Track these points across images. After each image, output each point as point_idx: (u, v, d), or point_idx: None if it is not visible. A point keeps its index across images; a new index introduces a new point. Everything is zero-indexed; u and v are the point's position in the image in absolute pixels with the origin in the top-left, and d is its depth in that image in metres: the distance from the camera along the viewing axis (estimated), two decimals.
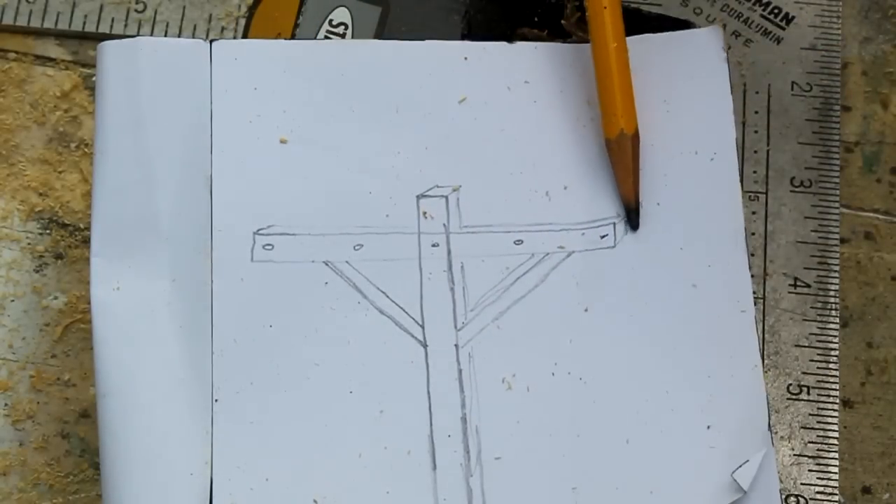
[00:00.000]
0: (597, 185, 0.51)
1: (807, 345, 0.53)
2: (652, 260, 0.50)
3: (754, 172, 0.55)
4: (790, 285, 0.54)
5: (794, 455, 0.52)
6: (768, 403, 0.48)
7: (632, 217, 0.50)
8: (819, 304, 0.54)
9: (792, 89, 0.56)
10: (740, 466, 0.47)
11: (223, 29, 0.57)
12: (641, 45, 0.52)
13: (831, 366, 0.53)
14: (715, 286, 0.49)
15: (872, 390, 0.54)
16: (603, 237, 0.50)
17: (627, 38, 0.51)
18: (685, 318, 0.49)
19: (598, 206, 0.50)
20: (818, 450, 0.52)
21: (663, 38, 0.52)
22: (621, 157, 0.50)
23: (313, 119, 0.51)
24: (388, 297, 0.50)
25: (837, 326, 0.54)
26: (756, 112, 0.56)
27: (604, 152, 0.51)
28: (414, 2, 0.55)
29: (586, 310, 0.50)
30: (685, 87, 0.51)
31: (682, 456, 0.47)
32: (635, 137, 0.50)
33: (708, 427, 0.47)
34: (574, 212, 0.50)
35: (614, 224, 0.50)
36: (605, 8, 0.50)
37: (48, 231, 0.55)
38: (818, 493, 0.52)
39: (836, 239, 0.55)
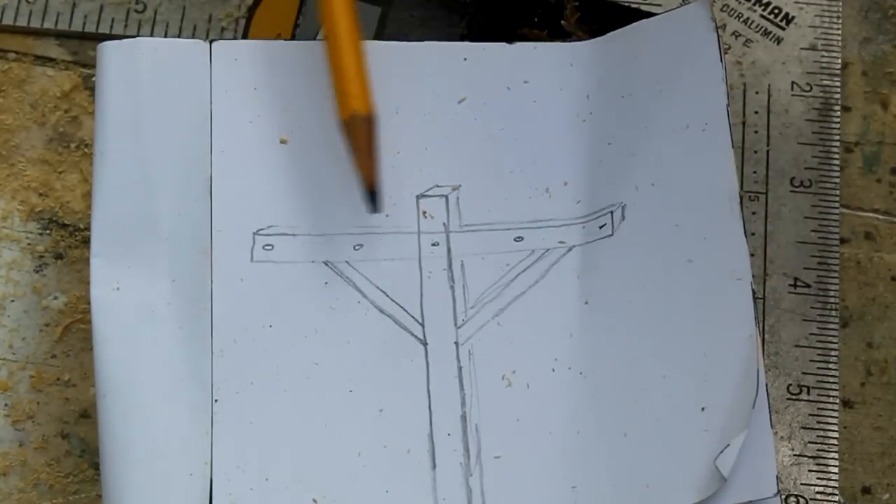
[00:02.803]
0: (597, 179, 0.50)
1: (807, 345, 0.53)
2: (649, 242, 0.49)
3: (754, 172, 0.55)
4: (790, 285, 0.54)
5: (794, 455, 0.52)
6: (760, 377, 0.46)
7: (374, 199, 0.49)
8: (819, 304, 0.54)
9: (792, 89, 0.56)
10: (722, 452, 0.46)
11: (223, 29, 0.57)
12: (634, 34, 0.51)
13: (831, 366, 0.53)
14: (710, 258, 0.48)
15: (872, 390, 0.54)
16: (602, 227, 0.50)
17: (620, 30, 0.51)
18: (682, 295, 0.48)
19: (598, 198, 0.50)
20: (818, 450, 0.52)
21: (654, 22, 0.52)
22: (356, 139, 0.49)
23: (313, 119, 0.51)
24: (387, 296, 0.50)
25: (837, 326, 0.54)
26: (756, 112, 0.56)
27: (603, 146, 0.51)
28: (414, 2, 0.55)
29: (587, 302, 0.50)
30: (676, 64, 0.51)
31: (677, 445, 0.47)
32: (370, 119, 0.49)
33: (702, 409, 0.47)
34: (574, 207, 0.50)
35: (612, 213, 0.50)
36: None
37: (48, 231, 0.55)
38: (818, 493, 0.52)
39: (836, 239, 0.55)
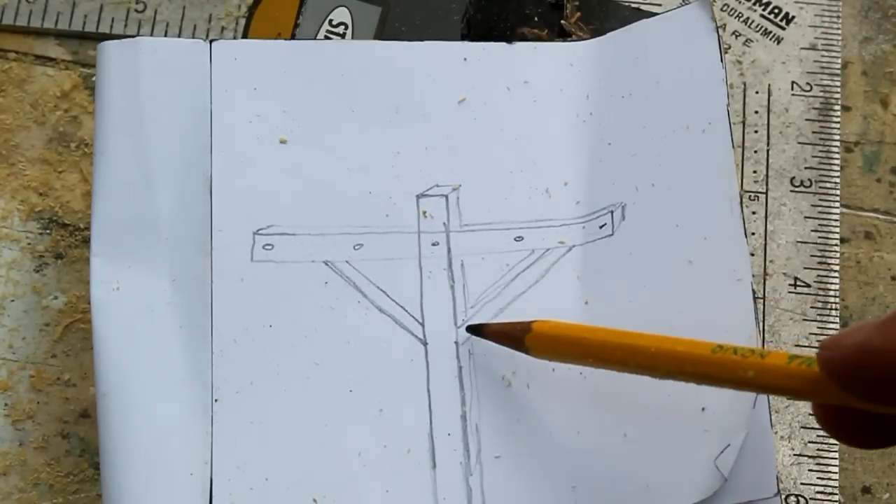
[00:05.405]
0: (597, 179, 0.51)
1: (807, 345, 0.53)
2: (649, 242, 0.49)
3: (754, 172, 0.55)
4: (790, 285, 0.54)
5: (794, 455, 0.52)
6: None
7: None
8: (819, 304, 0.54)
9: (792, 89, 0.56)
10: (722, 452, 0.46)
11: (223, 29, 0.57)
12: (634, 34, 0.52)
13: None
14: (711, 259, 0.49)
15: None
16: (602, 227, 0.50)
17: (620, 30, 0.52)
18: (682, 296, 0.49)
19: (598, 198, 0.50)
20: (818, 450, 0.52)
21: (654, 22, 0.52)
22: None
23: (313, 119, 0.51)
24: (388, 295, 0.50)
25: (837, 326, 0.54)
26: (756, 112, 0.56)
27: (603, 147, 0.51)
28: (414, 2, 0.55)
29: (586, 302, 0.50)
30: (676, 64, 0.51)
31: (677, 445, 0.47)
32: None
33: (702, 409, 0.47)
34: (574, 207, 0.51)
35: (612, 213, 0.50)
36: None
37: (48, 231, 0.55)
38: (818, 493, 0.52)
39: (836, 239, 0.55)
